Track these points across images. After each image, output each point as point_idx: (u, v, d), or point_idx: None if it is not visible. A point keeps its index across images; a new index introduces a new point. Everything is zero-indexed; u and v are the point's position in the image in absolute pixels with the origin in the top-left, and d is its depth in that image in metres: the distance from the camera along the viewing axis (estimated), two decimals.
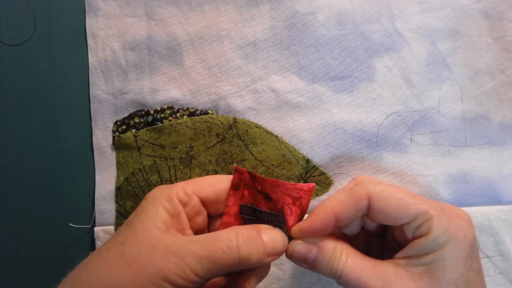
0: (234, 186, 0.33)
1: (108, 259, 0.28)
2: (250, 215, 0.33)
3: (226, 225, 0.33)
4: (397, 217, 0.29)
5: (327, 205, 0.30)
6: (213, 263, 0.27)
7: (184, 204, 0.31)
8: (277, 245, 0.30)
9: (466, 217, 0.30)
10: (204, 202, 0.32)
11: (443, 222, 0.29)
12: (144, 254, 0.27)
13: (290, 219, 0.31)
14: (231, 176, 0.33)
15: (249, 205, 0.33)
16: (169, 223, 0.30)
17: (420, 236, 0.29)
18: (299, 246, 0.31)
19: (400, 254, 0.30)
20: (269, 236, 0.30)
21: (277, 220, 0.32)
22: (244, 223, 0.32)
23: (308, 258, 0.30)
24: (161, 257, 0.27)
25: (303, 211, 0.32)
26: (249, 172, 0.32)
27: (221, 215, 0.33)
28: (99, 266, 0.28)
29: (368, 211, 0.30)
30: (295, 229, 0.31)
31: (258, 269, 0.31)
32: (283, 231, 0.31)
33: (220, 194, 0.33)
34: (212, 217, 0.34)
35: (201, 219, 0.32)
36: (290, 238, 0.31)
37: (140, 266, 0.27)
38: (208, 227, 0.34)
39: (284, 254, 0.31)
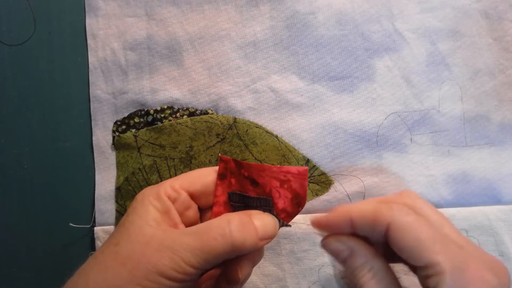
0: (221, 176, 0.33)
1: (103, 261, 0.28)
2: (239, 202, 0.33)
3: (216, 215, 0.33)
4: (410, 256, 0.27)
5: (347, 209, 0.30)
6: (207, 253, 0.27)
7: (173, 200, 0.31)
8: (268, 229, 0.30)
9: (491, 283, 0.26)
10: (193, 196, 0.32)
11: (457, 283, 0.25)
12: (137, 252, 0.27)
13: (279, 202, 0.32)
14: (217, 167, 0.33)
15: (237, 192, 0.33)
16: (160, 220, 0.30)
17: None
18: (334, 243, 0.30)
19: None
20: (260, 220, 0.30)
21: (266, 204, 0.32)
22: (234, 211, 0.33)
23: (338, 256, 0.30)
24: (155, 252, 0.27)
25: (296, 194, 0.32)
26: (234, 160, 0.33)
27: (211, 207, 0.33)
28: (95, 270, 0.28)
29: (385, 236, 0.28)
30: (313, 219, 0.31)
31: (250, 256, 0.31)
32: (272, 214, 0.32)
33: (208, 186, 0.33)
34: (203, 210, 0.34)
35: (192, 213, 0.33)
36: (281, 221, 0.32)
37: (135, 264, 0.27)
38: (201, 220, 0.34)
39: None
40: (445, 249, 0.26)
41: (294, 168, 0.31)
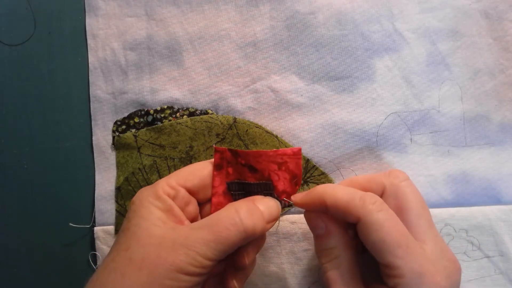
0: (218, 166, 0.33)
1: (118, 268, 0.28)
2: (239, 190, 0.33)
3: (216, 205, 0.33)
4: (374, 253, 0.29)
5: (322, 193, 0.31)
6: (221, 244, 0.28)
7: (172, 198, 0.31)
8: (273, 211, 0.32)
9: (443, 287, 0.28)
10: (191, 191, 0.33)
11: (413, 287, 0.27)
12: (151, 254, 0.28)
13: (279, 184, 0.33)
14: (212, 160, 0.34)
15: (236, 181, 0.33)
16: (165, 219, 0.30)
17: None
18: (314, 218, 0.32)
19: None
20: (264, 204, 0.31)
21: (267, 188, 0.33)
22: (235, 199, 0.33)
23: (314, 231, 0.32)
24: (170, 252, 0.28)
25: (294, 175, 0.33)
26: (229, 149, 0.33)
27: (210, 200, 0.34)
28: (111, 278, 0.28)
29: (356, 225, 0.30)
30: (293, 197, 0.33)
31: (254, 241, 0.32)
32: (273, 197, 0.33)
33: (205, 179, 0.33)
34: (201, 204, 0.34)
35: (192, 208, 0.33)
36: (282, 202, 0.33)
37: (152, 266, 0.27)
38: (200, 214, 0.34)
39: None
40: (407, 254, 0.28)
41: (288, 150, 0.32)
